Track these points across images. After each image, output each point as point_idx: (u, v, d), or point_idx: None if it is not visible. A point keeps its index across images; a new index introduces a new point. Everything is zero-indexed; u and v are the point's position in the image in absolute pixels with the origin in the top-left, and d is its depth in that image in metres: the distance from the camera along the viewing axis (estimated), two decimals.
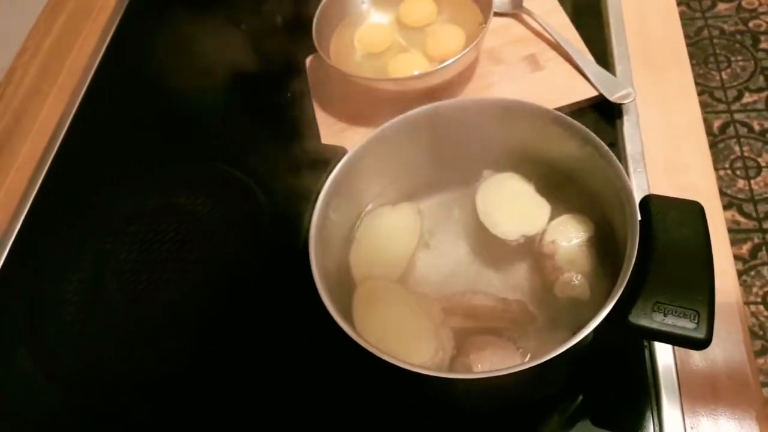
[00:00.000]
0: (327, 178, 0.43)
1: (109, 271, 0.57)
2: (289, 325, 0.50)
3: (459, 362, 0.40)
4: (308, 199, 0.43)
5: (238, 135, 0.65)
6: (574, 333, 0.34)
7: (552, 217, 0.45)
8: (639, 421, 0.42)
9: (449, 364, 0.40)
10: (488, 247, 0.46)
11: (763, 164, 1.36)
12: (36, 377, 0.52)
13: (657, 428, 0.42)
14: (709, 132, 1.41)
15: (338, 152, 0.45)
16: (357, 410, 0.46)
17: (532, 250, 0.45)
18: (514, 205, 0.45)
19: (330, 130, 0.61)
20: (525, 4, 0.65)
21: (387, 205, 0.48)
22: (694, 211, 0.38)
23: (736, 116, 1.44)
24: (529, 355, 0.40)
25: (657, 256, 0.36)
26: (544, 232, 0.44)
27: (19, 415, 0.51)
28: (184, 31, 0.75)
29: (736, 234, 1.26)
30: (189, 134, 0.66)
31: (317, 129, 0.61)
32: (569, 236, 0.43)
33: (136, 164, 0.65)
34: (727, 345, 0.44)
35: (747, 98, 1.47)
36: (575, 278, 0.41)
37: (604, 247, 0.43)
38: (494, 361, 0.39)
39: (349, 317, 0.42)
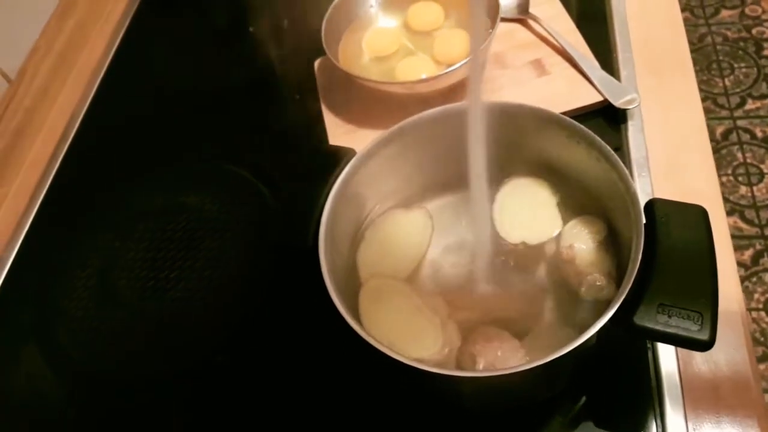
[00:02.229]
0: (336, 178, 0.44)
1: (118, 268, 0.57)
2: (297, 323, 0.51)
3: (465, 352, 0.40)
4: (316, 199, 0.43)
5: (247, 135, 0.65)
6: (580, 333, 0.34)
7: (563, 222, 0.45)
8: (642, 424, 0.42)
9: (456, 356, 0.41)
10: (498, 250, 0.46)
11: (765, 171, 1.36)
12: (44, 373, 0.53)
13: (660, 430, 0.42)
14: (711, 138, 1.42)
15: (347, 153, 0.45)
16: (363, 407, 0.46)
17: (544, 257, 0.45)
18: (527, 211, 0.45)
19: (338, 132, 0.61)
20: (531, 9, 0.66)
21: (400, 208, 0.48)
22: (698, 214, 0.38)
23: (739, 123, 1.44)
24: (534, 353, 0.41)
25: (661, 259, 0.36)
26: (559, 237, 0.44)
27: (27, 411, 0.52)
28: (193, 32, 0.76)
29: (738, 240, 1.27)
30: (197, 135, 0.67)
31: (325, 130, 0.62)
32: (585, 239, 0.43)
33: (145, 163, 0.66)
34: (729, 348, 0.45)
35: (750, 105, 1.47)
36: (599, 280, 0.41)
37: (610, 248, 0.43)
38: (500, 355, 0.39)
39: (356, 315, 0.42)
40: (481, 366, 0.39)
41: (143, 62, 0.76)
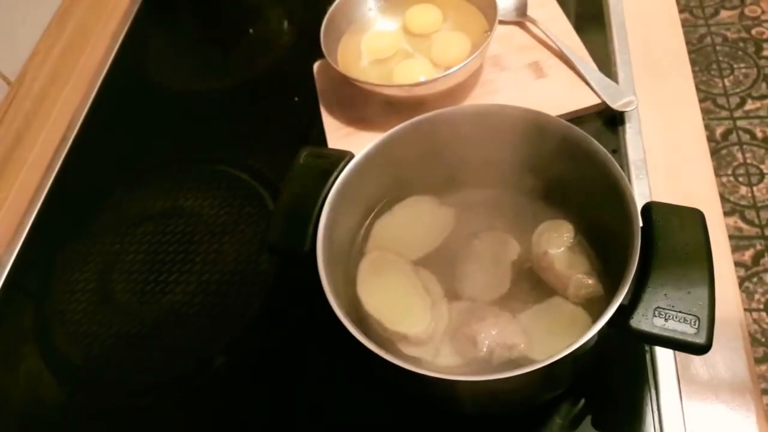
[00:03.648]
0: (334, 182, 0.44)
1: (117, 272, 0.57)
2: (296, 326, 0.51)
3: (461, 336, 0.41)
4: (315, 202, 0.43)
5: (246, 138, 0.65)
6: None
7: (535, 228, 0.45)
8: (640, 426, 0.43)
9: (451, 338, 0.41)
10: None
11: (765, 171, 1.36)
12: (43, 375, 0.53)
13: None
14: (711, 139, 1.42)
15: (345, 156, 0.46)
16: (363, 411, 0.46)
17: (529, 267, 0.45)
18: (483, 265, 0.45)
19: (336, 135, 0.61)
20: (529, 12, 0.66)
21: (434, 199, 0.49)
22: (695, 218, 0.38)
23: (739, 123, 1.44)
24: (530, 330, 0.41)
25: (658, 262, 0.37)
26: (530, 247, 0.44)
27: (26, 413, 0.52)
28: (192, 36, 0.76)
29: (738, 241, 1.27)
30: (197, 138, 0.67)
31: (324, 133, 0.62)
32: (557, 243, 0.43)
33: (144, 166, 0.66)
34: (728, 351, 0.45)
35: (750, 105, 1.47)
36: (583, 279, 0.41)
37: (603, 249, 0.43)
38: (496, 332, 0.40)
39: (354, 321, 0.42)
40: (483, 346, 0.39)
41: (143, 65, 0.76)
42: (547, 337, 0.40)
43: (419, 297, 0.43)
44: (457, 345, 0.41)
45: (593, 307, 0.42)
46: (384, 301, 0.43)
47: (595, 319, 0.35)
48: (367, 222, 0.48)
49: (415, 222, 0.48)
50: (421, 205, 0.49)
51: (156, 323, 0.54)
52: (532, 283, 0.44)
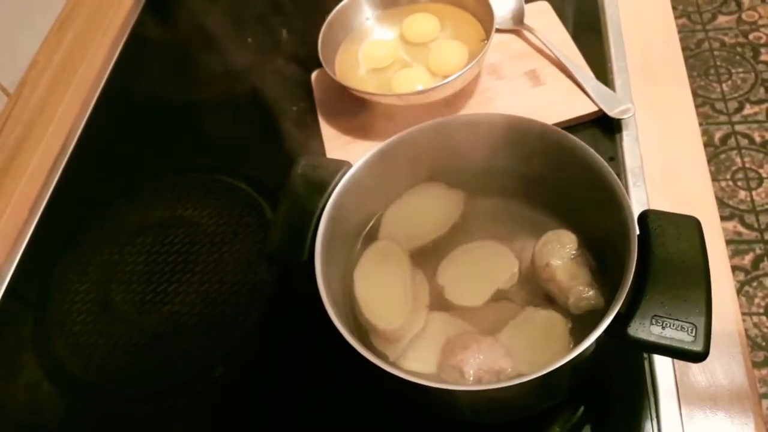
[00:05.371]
0: (332, 192, 0.44)
1: (116, 282, 0.57)
2: (295, 336, 0.51)
3: (447, 366, 0.41)
4: (313, 211, 0.43)
5: (244, 148, 0.66)
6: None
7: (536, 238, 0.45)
8: None
9: (438, 370, 0.41)
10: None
11: (764, 175, 1.37)
12: (43, 386, 0.53)
13: None
14: (710, 143, 1.42)
15: (342, 167, 0.46)
16: (362, 420, 0.46)
17: (526, 278, 0.45)
18: (473, 273, 0.46)
19: (334, 144, 0.62)
20: (526, 20, 0.66)
21: (442, 185, 0.49)
22: (691, 225, 0.39)
23: (737, 128, 1.45)
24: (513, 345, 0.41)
25: (655, 270, 0.37)
26: (533, 257, 0.44)
27: (25, 423, 0.52)
28: (191, 45, 0.76)
29: (738, 245, 1.27)
30: (195, 147, 0.67)
31: (322, 143, 0.62)
32: (560, 254, 0.43)
33: (143, 176, 0.66)
34: (726, 357, 0.45)
35: (748, 110, 1.47)
36: (584, 291, 0.41)
37: (601, 258, 0.43)
38: (482, 358, 0.40)
39: (352, 330, 0.43)
40: (470, 375, 0.39)
41: (141, 75, 0.76)
42: (532, 352, 0.41)
43: (403, 299, 0.44)
44: (446, 377, 0.41)
45: (590, 316, 0.42)
46: (371, 290, 0.44)
47: (592, 328, 0.35)
48: (373, 221, 0.49)
49: (424, 208, 0.49)
50: (431, 190, 0.49)
51: (155, 333, 0.54)
52: (513, 295, 0.44)
